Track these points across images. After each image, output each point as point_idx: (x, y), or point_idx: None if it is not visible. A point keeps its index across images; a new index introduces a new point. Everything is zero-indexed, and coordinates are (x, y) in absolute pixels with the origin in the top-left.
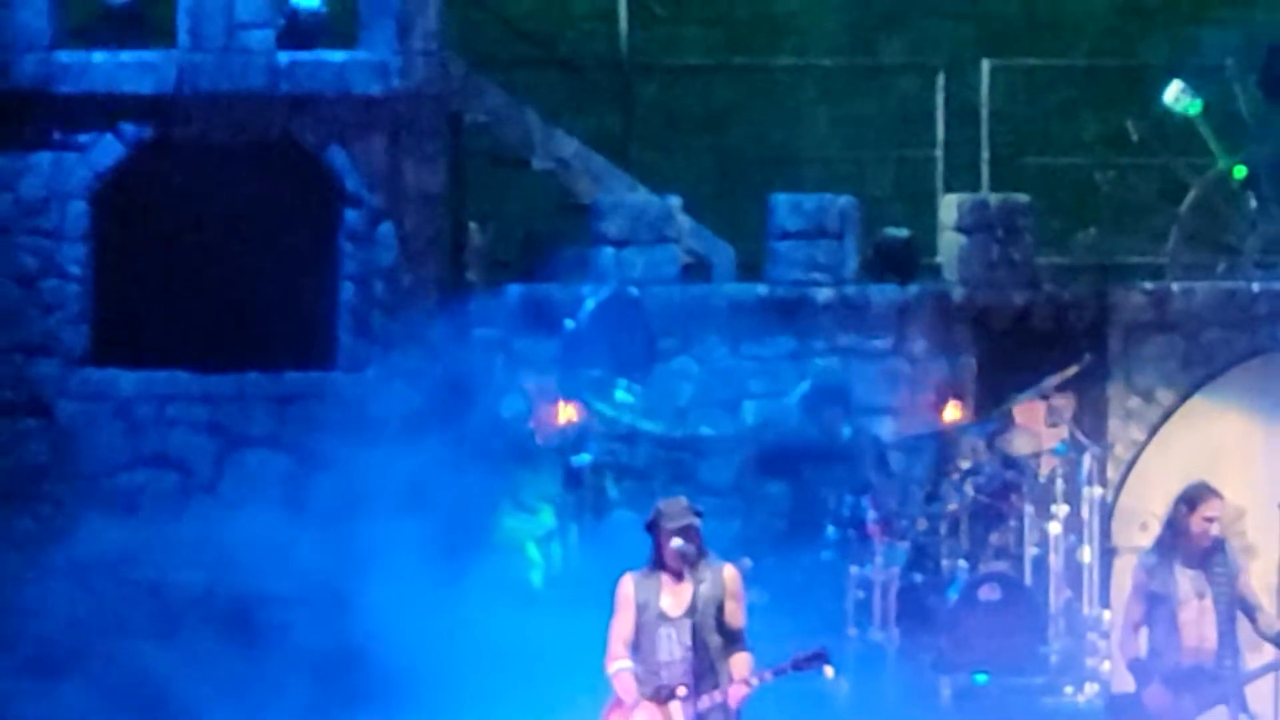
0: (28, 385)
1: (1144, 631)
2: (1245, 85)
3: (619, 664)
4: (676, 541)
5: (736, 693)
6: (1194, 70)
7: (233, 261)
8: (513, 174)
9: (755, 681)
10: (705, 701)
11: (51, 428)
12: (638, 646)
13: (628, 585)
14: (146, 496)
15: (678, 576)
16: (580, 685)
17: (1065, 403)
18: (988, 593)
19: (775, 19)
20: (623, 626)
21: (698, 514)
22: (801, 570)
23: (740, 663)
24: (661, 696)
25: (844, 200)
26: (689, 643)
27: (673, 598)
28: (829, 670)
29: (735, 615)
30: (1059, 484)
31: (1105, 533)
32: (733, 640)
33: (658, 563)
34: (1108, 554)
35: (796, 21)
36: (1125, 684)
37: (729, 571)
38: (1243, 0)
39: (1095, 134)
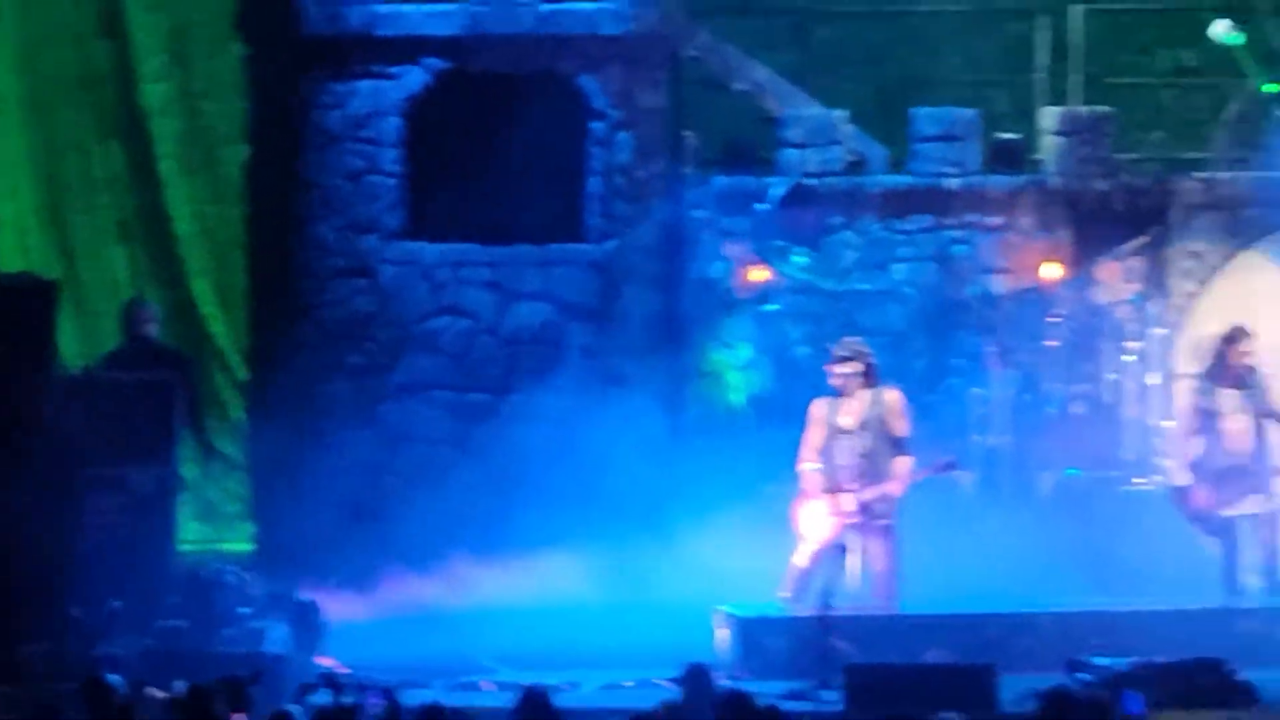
0: (358, 255)
1: (1196, 439)
2: (1274, 24)
3: (807, 464)
4: (834, 366)
5: (893, 488)
6: (1237, 11)
7: (510, 161)
8: (718, 94)
9: (907, 480)
10: (869, 494)
11: (375, 286)
12: (821, 452)
13: (819, 407)
14: (445, 337)
15: (844, 395)
16: (771, 477)
17: (1137, 264)
18: (1078, 408)
19: None
20: (814, 438)
21: (860, 351)
22: (937, 392)
23: (900, 464)
24: (834, 490)
25: (969, 113)
26: (859, 449)
27: (848, 416)
28: (961, 474)
29: (897, 428)
30: (1132, 325)
31: (1167, 362)
32: (897, 447)
33: (836, 388)
34: (1169, 379)
35: None
36: (1181, 479)
37: (889, 394)
38: None
39: (1162, 62)
